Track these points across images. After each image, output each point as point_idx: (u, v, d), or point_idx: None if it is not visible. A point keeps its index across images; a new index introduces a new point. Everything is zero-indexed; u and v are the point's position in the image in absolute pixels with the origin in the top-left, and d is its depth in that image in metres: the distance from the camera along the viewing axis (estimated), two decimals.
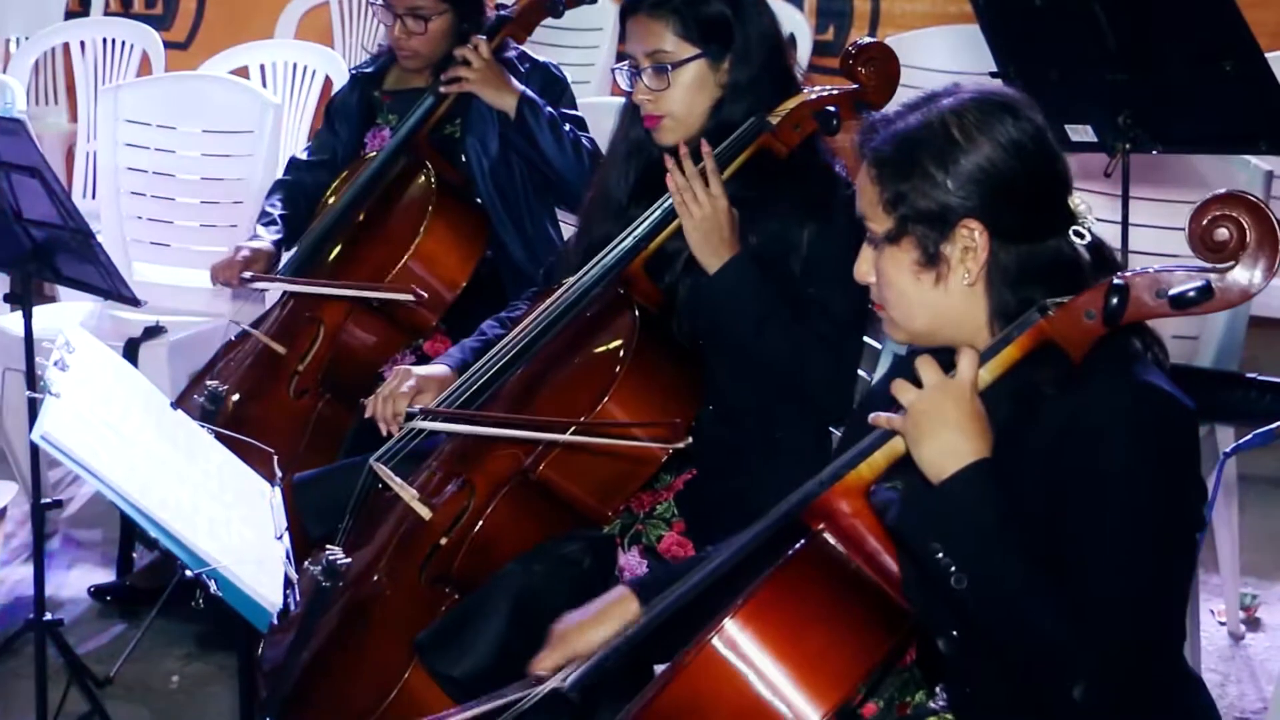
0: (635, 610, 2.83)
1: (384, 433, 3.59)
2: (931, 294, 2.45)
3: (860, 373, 3.49)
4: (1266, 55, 3.64)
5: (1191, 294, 2.27)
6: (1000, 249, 2.41)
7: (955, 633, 2.41)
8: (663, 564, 3.26)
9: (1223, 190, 2.28)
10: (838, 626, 2.44)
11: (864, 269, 2.54)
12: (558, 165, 4.27)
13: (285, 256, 4.52)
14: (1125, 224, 3.91)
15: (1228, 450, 3.51)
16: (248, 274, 4.40)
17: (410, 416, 3.50)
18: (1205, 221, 2.27)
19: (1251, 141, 3.82)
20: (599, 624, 2.84)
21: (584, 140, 4.32)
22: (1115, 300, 2.29)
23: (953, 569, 2.27)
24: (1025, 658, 2.30)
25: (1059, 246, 2.43)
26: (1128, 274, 2.31)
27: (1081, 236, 2.43)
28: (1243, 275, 2.26)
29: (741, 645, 2.42)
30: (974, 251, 2.41)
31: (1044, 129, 2.47)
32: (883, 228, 2.47)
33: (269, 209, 4.67)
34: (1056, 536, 2.30)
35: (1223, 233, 2.25)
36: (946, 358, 2.37)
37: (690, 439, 3.25)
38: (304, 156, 4.79)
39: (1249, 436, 3.30)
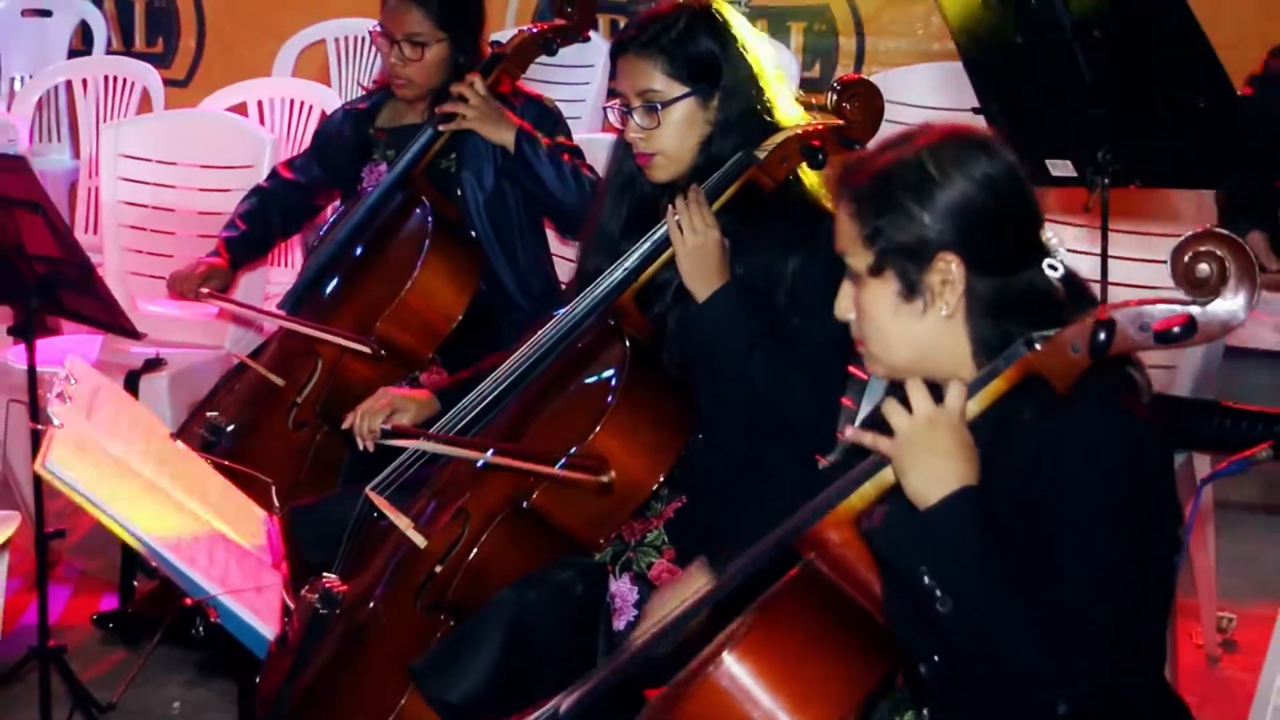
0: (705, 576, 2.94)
1: (360, 447, 3.59)
2: (912, 327, 2.46)
3: (847, 402, 3.49)
4: (1238, 94, 3.65)
5: (1176, 330, 2.28)
6: (976, 280, 2.42)
7: (936, 658, 2.41)
8: (653, 591, 3.26)
9: (1203, 228, 2.29)
10: (832, 655, 2.45)
11: (844, 305, 2.55)
12: (560, 196, 4.28)
13: (282, 286, 4.52)
14: (1105, 256, 3.92)
15: (1205, 477, 3.51)
16: (205, 289, 4.43)
17: (385, 434, 3.51)
18: (1187, 258, 2.27)
19: (1225, 177, 3.83)
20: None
21: (584, 168, 4.33)
22: (1102, 335, 2.30)
23: (938, 591, 2.28)
24: (1008, 678, 2.31)
25: (1032, 279, 2.45)
26: (1113, 309, 2.32)
27: (1055, 269, 2.45)
28: (1224, 309, 2.27)
29: (740, 677, 2.42)
30: (951, 283, 2.42)
31: (1015, 165, 2.49)
32: (863, 262, 2.48)
33: (238, 221, 4.71)
34: (1032, 557, 2.31)
35: (1204, 268, 2.26)
36: (936, 389, 2.38)
37: (612, 473, 3.28)
38: (287, 173, 4.80)
39: (1225, 464, 3.30)
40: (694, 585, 2.93)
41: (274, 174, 4.85)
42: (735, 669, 2.42)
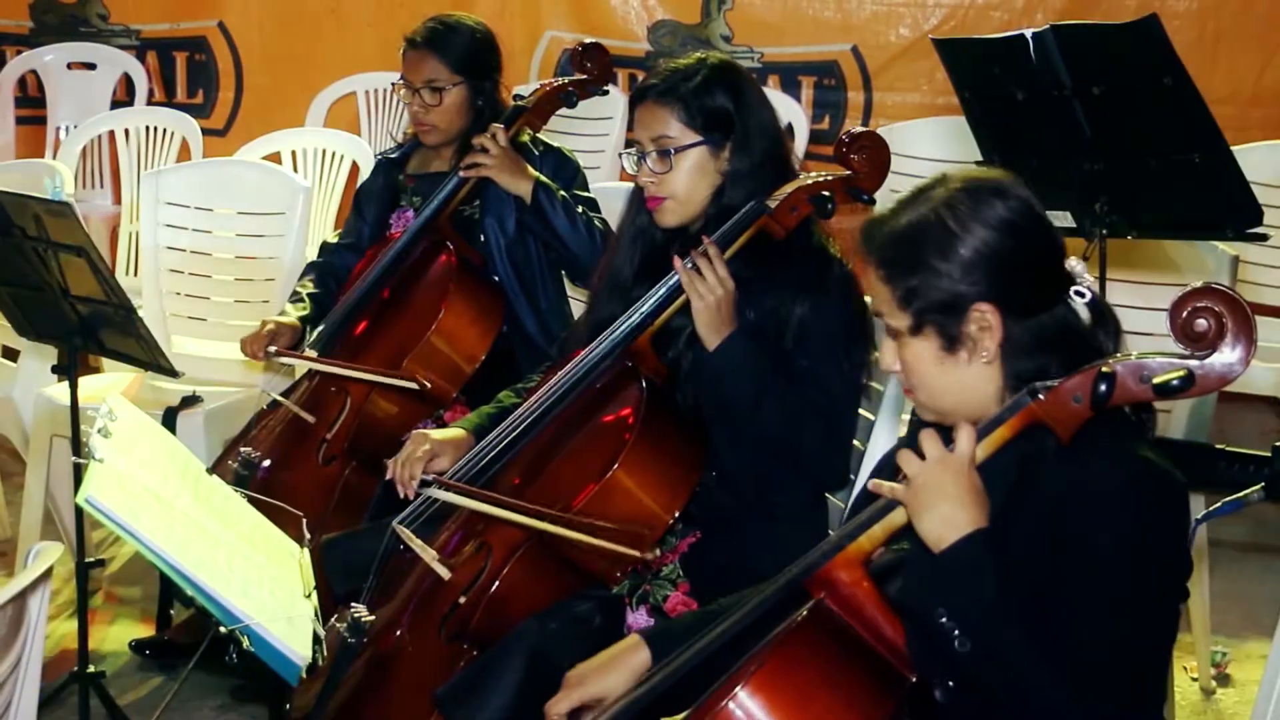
0: (645, 658, 2.82)
1: (400, 495, 3.59)
2: (955, 375, 2.46)
3: (855, 443, 3.49)
4: (1232, 148, 3.65)
5: (1175, 383, 2.27)
6: (1012, 325, 2.42)
7: (951, 684, 2.41)
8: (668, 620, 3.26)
9: (1200, 283, 2.28)
10: (841, 691, 2.43)
11: (889, 359, 2.54)
12: (571, 245, 4.29)
13: (317, 331, 4.52)
14: None
15: (1199, 517, 3.50)
16: (273, 348, 4.42)
17: (424, 484, 3.49)
18: (1185, 314, 2.26)
19: (1218, 228, 3.83)
20: (611, 670, 2.84)
21: (596, 220, 4.34)
22: (1103, 388, 2.30)
23: (956, 632, 2.28)
24: (1023, 710, 2.30)
25: (1065, 314, 2.45)
26: (1114, 362, 2.32)
27: (1082, 295, 2.45)
28: (1221, 362, 2.26)
29: (754, 712, 2.41)
30: (990, 331, 2.42)
31: (1033, 203, 2.48)
32: (902, 323, 2.48)
33: (299, 289, 4.69)
34: (1052, 598, 2.30)
35: (1202, 324, 2.25)
36: (947, 431, 2.38)
37: (656, 551, 3.29)
38: (334, 240, 4.81)
39: (1219, 505, 3.29)
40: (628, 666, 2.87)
41: (323, 247, 4.84)
42: (749, 703, 2.41)
